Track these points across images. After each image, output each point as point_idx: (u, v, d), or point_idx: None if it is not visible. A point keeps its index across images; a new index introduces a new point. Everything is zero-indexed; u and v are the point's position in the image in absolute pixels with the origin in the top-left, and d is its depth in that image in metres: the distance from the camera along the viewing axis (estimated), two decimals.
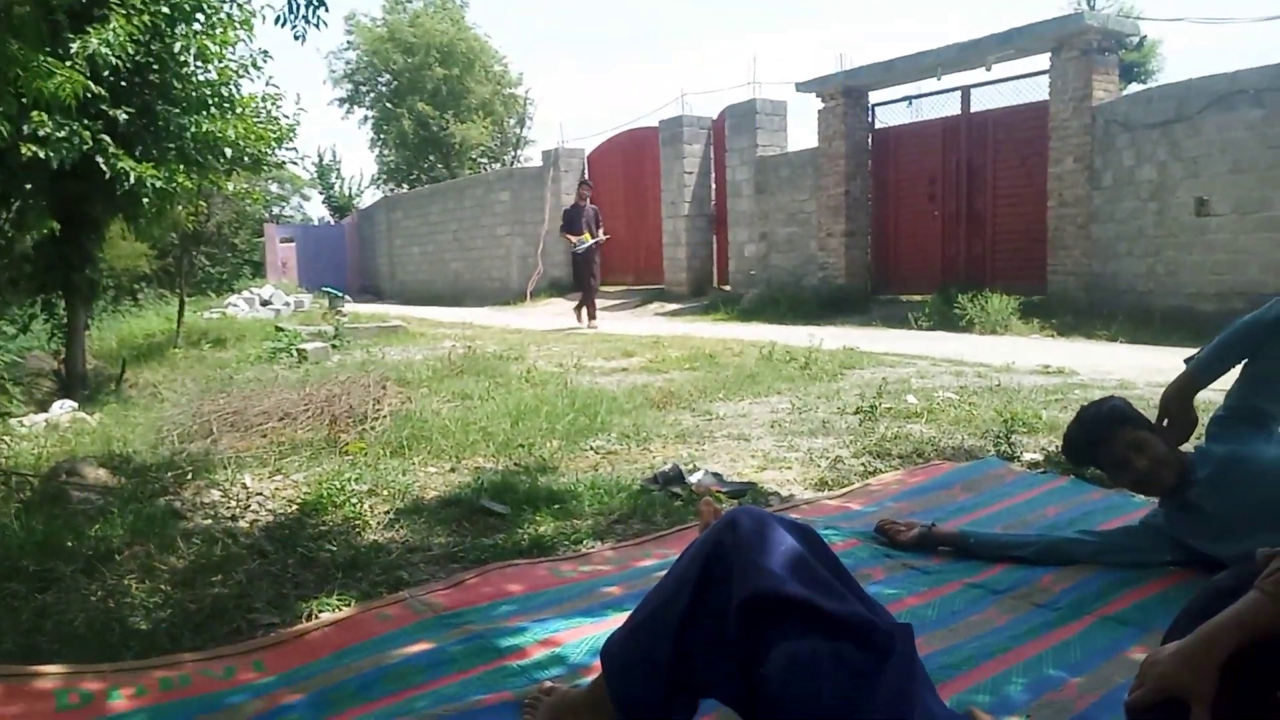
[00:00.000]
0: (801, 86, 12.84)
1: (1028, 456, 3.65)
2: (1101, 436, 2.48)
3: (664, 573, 1.58)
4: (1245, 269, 8.39)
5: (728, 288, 14.63)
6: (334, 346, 8.94)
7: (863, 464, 3.70)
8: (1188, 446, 2.49)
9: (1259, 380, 2.41)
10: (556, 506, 3.07)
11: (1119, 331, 8.64)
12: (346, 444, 4.09)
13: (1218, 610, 1.49)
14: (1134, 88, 10.73)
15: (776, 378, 6.03)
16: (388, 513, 3.08)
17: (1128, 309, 9.20)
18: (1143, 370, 5.96)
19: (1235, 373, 2.45)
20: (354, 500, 3.13)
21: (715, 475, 3.45)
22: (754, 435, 4.30)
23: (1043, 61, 10.33)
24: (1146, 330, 8.54)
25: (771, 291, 12.93)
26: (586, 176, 17.21)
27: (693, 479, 3.36)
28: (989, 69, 10.88)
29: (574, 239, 11.94)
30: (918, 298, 11.52)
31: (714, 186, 15.34)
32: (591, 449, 4.06)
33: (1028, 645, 2.01)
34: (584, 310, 12.04)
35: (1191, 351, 2.50)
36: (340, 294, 14.84)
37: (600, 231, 12.17)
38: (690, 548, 1.53)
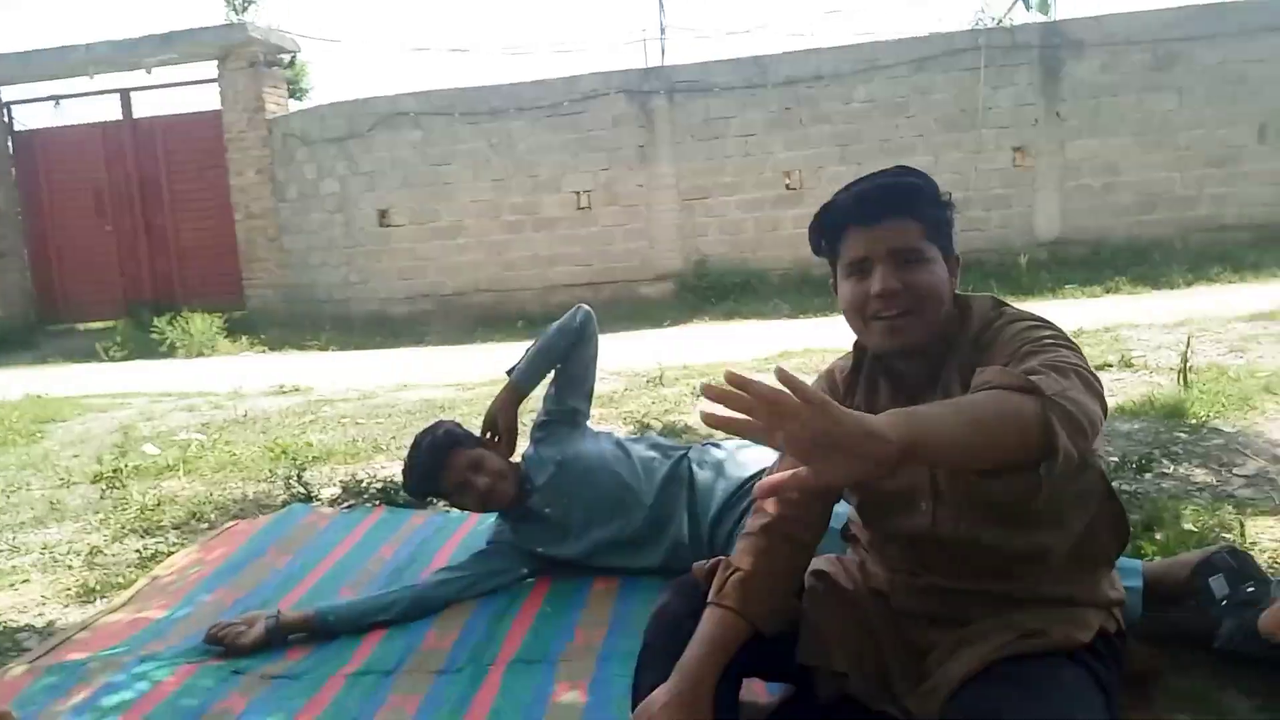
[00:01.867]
0: None
1: (327, 492, 3.32)
2: (442, 463, 2.33)
3: None
4: (426, 273, 9.31)
5: None
6: None
7: (134, 550, 2.90)
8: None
9: (571, 383, 2.52)
10: None
11: (329, 340, 8.80)
12: None
13: (681, 640, 1.42)
14: (296, 104, 10.97)
15: None
16: None
17: (331, 318, 9.44)
18: (360, 373, 6.09)
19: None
20: None
21: None
22: None
23: (210, 69, 9.84)
24: (352, 336, 8.88)
25: None
26: None
27: None
28: (149, 71, 9.94)
29: None
30: (100, 325, 10.04)
31: None
32: None
33: None
34: None
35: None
36: None
37: None
38: None
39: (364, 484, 3.28)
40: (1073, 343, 1.32)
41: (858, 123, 8.37)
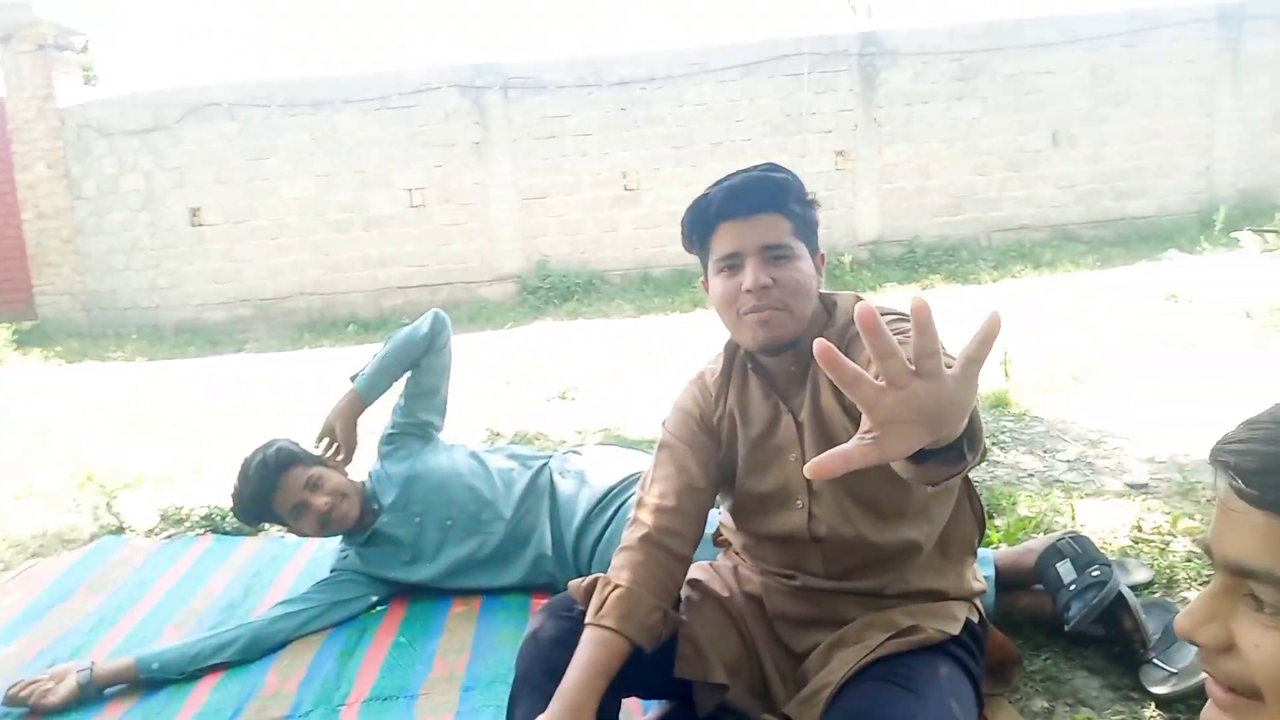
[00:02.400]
0: None
1: (142, 522, 3.01)
2: (276, 483, 2.15)
3: None
4: (244, 276, 8.73)
5: None
6: None
7: None
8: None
9: (423, 394, 2.39)
10: None
11: (135, 350, 8.09)
12: None
13: (557, 665, 1.35)
14: (92, 93, 10.04)
15: None
16: None
17: (137, 325, 8.71)
18: (172, 386, 5.64)
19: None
20: None
21: None
22: None
23: None
24: (163, 345, 8.22)
25: None
26: None
27: None
28: None
29: None
30: None
31: None
32: None
33: None
34: None
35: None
36: None
37: None
38: None
39: (185, 511, 3.00)
40: None
41: (690, 125, 8.50)
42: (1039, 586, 1.77)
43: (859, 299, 1.47)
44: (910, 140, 8.58)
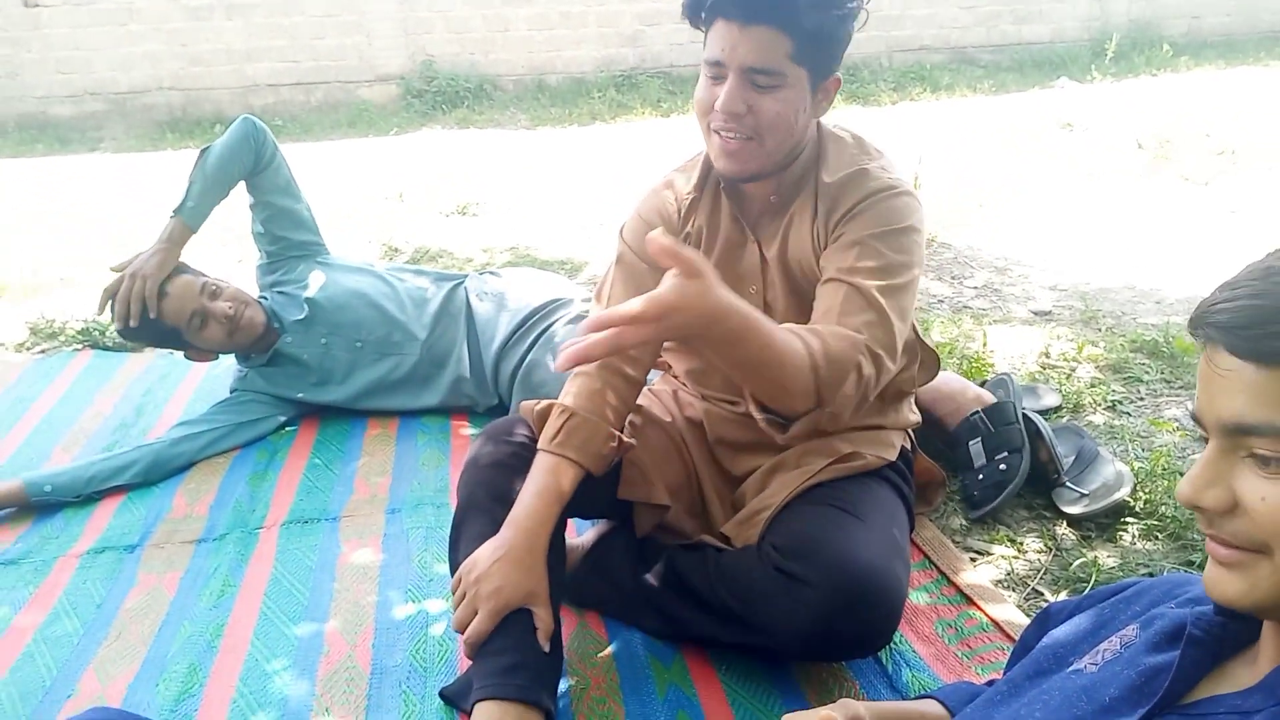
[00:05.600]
0: None
1: (9, 335, 2.76)
2: (163, 292, 1.98)
3: None
4: (93, 67, 7.84)
5: None
6: None
7: None
8: None
9: (279, 215, 2.19)
10: None
11: None
12: None
13: (503, 490, 1.32)
14: None
15: None
16: None
17: None
18: (20, 186, 5.13)
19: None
20: None
21: None
22: None
23: None
24: (5, 141, 7.41)
25: None
26: None
27: None
28: None
29: None
30: None
31: None
32: None
33: (235, 621, 1.52)
34: None
35: None
36: None
37: None
38: None
39: (58, 325, 2.76)
40: (918, 228, 1.32)
41: None
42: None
43: (860, 142, 1.37)
44: None
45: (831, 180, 1.32)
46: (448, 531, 1.32)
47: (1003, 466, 1.65)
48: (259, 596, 1.54)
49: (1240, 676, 0.66)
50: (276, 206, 2.18)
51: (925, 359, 1.49)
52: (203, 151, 2.08)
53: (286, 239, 2.21)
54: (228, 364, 2.29)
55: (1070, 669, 0.77)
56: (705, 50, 1.25)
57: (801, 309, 1.36)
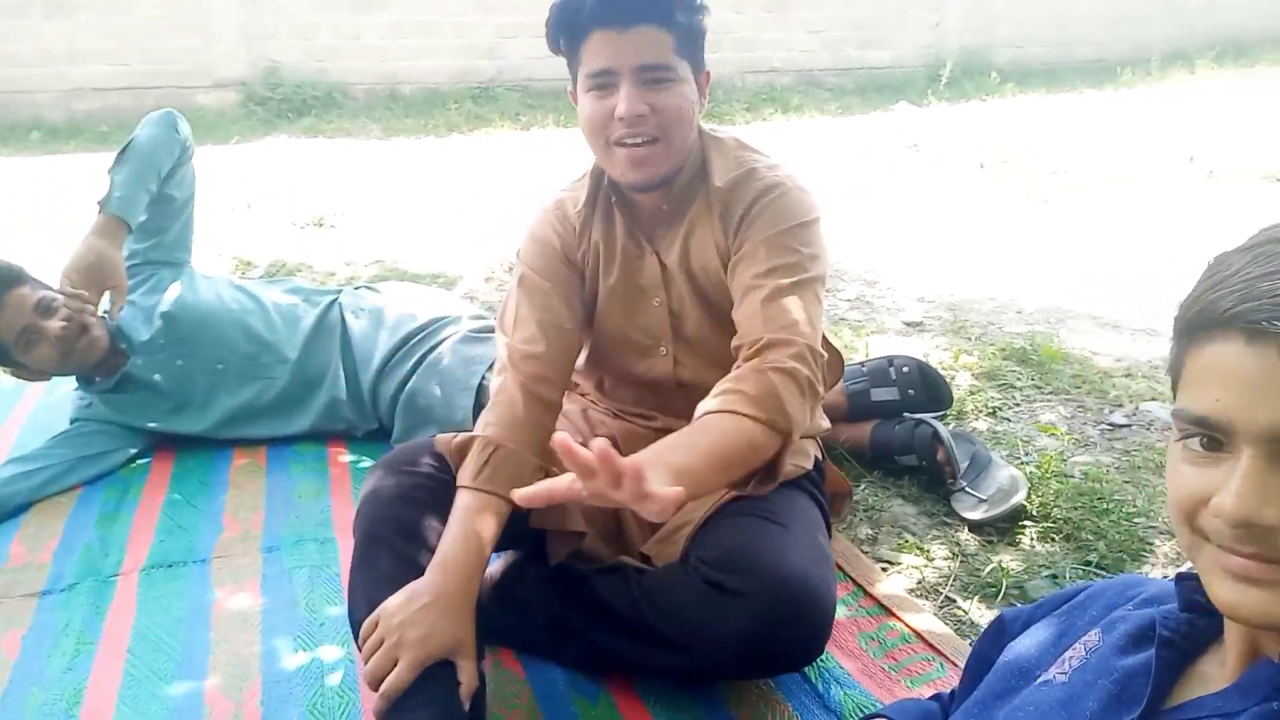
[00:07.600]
0: None
1: None
2: None
3: None
4: None
5: None
6: None
7: None
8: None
9: (167, 214, 2.01)
10: None
11: None
12: None
13: (411, 521, 1.22)
14: None
15: None
16: None
17: None
18: None
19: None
20: None
21: None
22: None
23: None
24: None
25: None
26: None
27: None
28: None
29: None
30: None
31: None
32: None
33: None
34: None
35: None
36: None
37: None
38: None
39: None
40: (818, 217, 1.34)
41: None
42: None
43: (740, 143, 1.37)
44: None
45: (723, 183, 1.31)
46: (335, 570, 1.21)
47: (910, 391, 1.75)
48: (121, 653, 1.36)
49: (1213, 676, 0.65)
50: (179, 202, 2.01)
51: (831, 360, 1.49)
52: (124, 148, 1.89)
53: (164, 242, 2.01)
54: (66, 389, 2.05)
55: (1039, 681, 0.76)
56: (584, 67, 1.23)
57: (710, 315, 1.36)
